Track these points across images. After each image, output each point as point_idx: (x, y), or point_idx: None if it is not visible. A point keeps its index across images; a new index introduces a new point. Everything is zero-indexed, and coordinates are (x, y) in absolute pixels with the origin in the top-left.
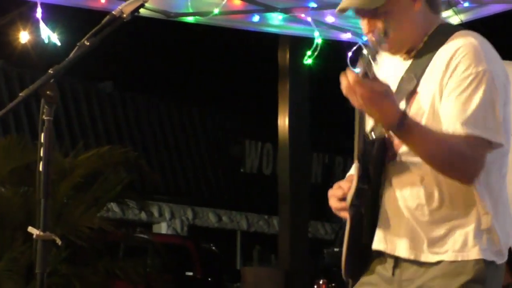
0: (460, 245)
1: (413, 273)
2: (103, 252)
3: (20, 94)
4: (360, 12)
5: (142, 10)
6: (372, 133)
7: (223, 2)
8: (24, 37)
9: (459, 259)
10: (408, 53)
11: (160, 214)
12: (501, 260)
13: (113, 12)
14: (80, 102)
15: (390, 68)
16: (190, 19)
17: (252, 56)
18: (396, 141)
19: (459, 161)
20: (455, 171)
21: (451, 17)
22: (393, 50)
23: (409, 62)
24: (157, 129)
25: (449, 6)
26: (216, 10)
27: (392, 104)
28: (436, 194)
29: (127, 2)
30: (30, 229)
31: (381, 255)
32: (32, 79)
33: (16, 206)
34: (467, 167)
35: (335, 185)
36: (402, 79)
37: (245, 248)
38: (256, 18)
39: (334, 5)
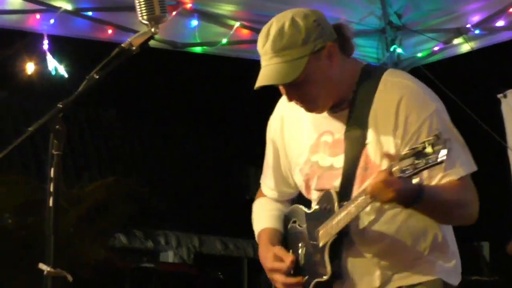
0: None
1: None
2: (109, 283)
3: (29, 128)
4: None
5: (150, 41)
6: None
7: (231, 32)
8: (30, 68)
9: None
10: (337, 105)
11: (167, 242)
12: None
13: (122, 45)
14: (84, 131)
15: (310, 118)
16: (197, 49)
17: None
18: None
19: (467, 209)
20: (465, 220)
21: (462, 44)
22: (319, 111)
23: (343, 113)
24: (162, 157)
25: (459, 33)
26: (224, 40)
27: (413, 189)
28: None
29: (137, 34)
30: (41, 265)
31: None
32: (37, 111)
33: (21, 239)
34: (473, 211)
35: (270, 255)
36: (348, 132)
37: (252, 275)
38: None
39: None
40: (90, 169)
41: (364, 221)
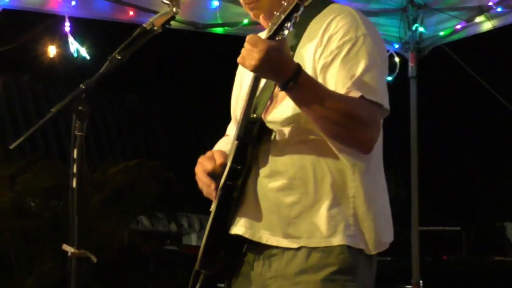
0: (325, 231)
1: (276, 267)
2: (133, 266)
3: (51, 109)
4: None
5: (171, 22)
6: (256, 111)
7: None
8: (51, 51)
9: (322, 245)
10: None
11: (190, 225)
12: (373, 250)
13: (143, 25)
14: (107, 116)
15: None
16: (219, 30)
17: None
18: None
19: (357, 125)
20: (352, 137)
21: (484, 22)
22: (262, 15)
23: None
24: (185, 140)
25: (481, 11)
26: (245, 21)
27: (288, 59)
28: (306, 176)
29: (158, 14)
30: (65, 246)
31: (242, 248)
32: (59, 94)
33: (46, 221)
34: (365, 133)
35: (208, 153)
36: None
37: None
38: None
39: None
40: (113, 152)
41: (271, 150)
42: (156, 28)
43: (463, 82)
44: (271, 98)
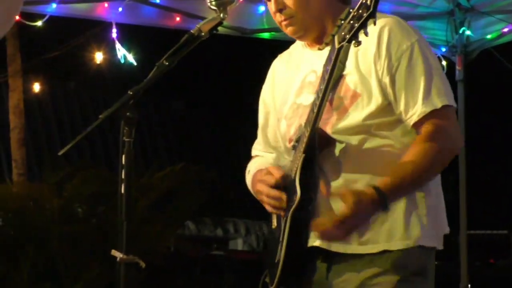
0: (402, 233)
1: (350, 274)
2: (180, 271)
3: (100, 116)
4: None
5: (218, 28)
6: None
7: None
8: (98, 58)
9: (400, 247)
10: (318, 42)
11: (236, 230)
12: (441, 245)
13: (191, 31)
14: (152, 121)
15: (296, 62)
16: (265, 35)
17: None
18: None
19: (447, 156)
20: (448, 161)
21: None
22: (301, 33)
23: (327, 49)
24: (230, 146)
25: None
26: None
27: (370, 203)
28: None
29: (205, 20)
30: (114, 252)
31: (315, 258)
32: (105, 101)
33: (93, 227)
34: (455, 151)
35: (264, 171)
36: (325, 67)
37: None
38: None
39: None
40: (160, 158)
41: (340, 159)
42: (203, 34)
43: (511, 85)
44: (330, 109)
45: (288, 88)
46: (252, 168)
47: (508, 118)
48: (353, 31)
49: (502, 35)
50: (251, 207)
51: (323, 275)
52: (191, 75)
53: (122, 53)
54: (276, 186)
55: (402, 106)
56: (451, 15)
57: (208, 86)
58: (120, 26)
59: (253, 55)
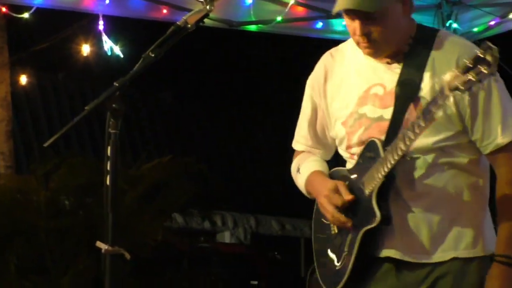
0: (470, 242)
1: (417, 276)
2: (168, 263)
3: (86, 107)
4: (356, 13)
5: (205, 20)
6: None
7: (286, 10)
8: (85, 50)
9: (468, 256)
10: (391, 57)
11: (223, 223)
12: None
13: (177, 23)
14: (140, 113)
15: (369, 71)
16: (252, 28)
17: (314, 63)
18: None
19: None
20: None
21: None
22: (377, 54)
23: (396, 66)
24: (218, 138)
25: None
26: (278, 18)
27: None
28: (449, 195)
29: (192, 12)
30: (98, 243)
31: (382, 262)
32: (94, 92)
33: (80, 219)
34: None
35: (330, 185)
36: (401, 84)
37: (309, 255)
38: (319, 24)
39: None
40: (148, 150)
41: (414, 174)
42: (189, 26)
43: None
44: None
45: (347, 93)
46: (302, 166)
47: None
48: (469, 87)
49: (489, 28)
50: (238, 200)
51: (389, 273)
52: (179, 67)
53: (109, 45)
54: (341, 207)
55: (478, 135)
56: (439, 8)
57: (196, 78)
58: (107, 18)
59: (241, 47)
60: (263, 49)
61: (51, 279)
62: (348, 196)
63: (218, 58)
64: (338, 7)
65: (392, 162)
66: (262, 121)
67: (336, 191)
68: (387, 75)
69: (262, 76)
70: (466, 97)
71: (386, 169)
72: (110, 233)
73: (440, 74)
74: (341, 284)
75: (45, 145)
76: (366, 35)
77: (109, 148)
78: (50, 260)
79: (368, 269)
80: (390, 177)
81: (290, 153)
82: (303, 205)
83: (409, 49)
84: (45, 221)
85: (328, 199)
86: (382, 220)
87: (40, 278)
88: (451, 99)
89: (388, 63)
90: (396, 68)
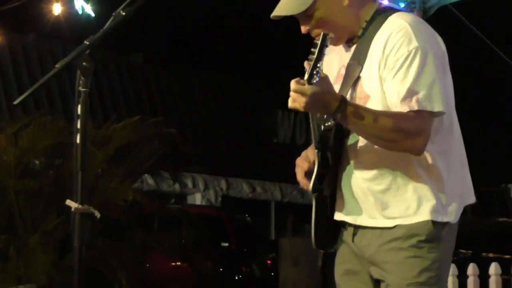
0: (412, 210)
1: (370, 238)
2: (137, 224)
3: (56, 65)
4: (295, 16)
5: None
6: (329, 120)
7: None
8: (56, 9)
9: (410, 222)
10: (349, 41)
11: (194, 185)
12: (452, 219)
13: None
14: (111, 75)
15: (337, 56)
16: None
17: (285, 25)
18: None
19: (403, 137)
20: (400, 147)
21: None
22: (334, 42)
23: (353, 48)
24: (190, 101)
25: None
26: None
27: (330, 97)
28: (388, 167)
29: None
30: (68, 202)
31: (342, 224)
32: (64, 52)
33: (50, 179)
34: (413, 142)
35: (303, 154)
36: (348, 65)
37: (279, 219)
38: None
39: None
40: (118, 111)
41: (357, 146)
42: None
43: (468, 42)
44: None
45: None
46: None
47: (464, 76)
48: (309, 71)
49: None
50: (209, 162)
51: (350, 238)
52: (150, 28)
53: (80, 4)
54: (309, 171)
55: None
56: None
57: (167, 39)
58: None
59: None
60: (232, 9)
61: (20, 238)
62: (306, 166)
63: (188, 18)
64: (272, 14)
65: (314, 133)
66: (235, 85)
67: (305, 158)
68: (346, 57)
69: (230, 37)
70: (385, 69)
71: (314, 141)
72: (79, 192)
73: (375, 54)
74: (313, 243)
75: (15, 102)
76: (310, 31)
77: (79, 106)
78: (19, 219)
79: (328, 230)
80: (323, 149)
81: (260, 118)
82: (274, 168)
83: (362, 32)
84: (14, 181)
85: (299, 168)
86: (312, 189)
87: (9, 237)
88: None
89: (349, 46)
90: (351, 52)
